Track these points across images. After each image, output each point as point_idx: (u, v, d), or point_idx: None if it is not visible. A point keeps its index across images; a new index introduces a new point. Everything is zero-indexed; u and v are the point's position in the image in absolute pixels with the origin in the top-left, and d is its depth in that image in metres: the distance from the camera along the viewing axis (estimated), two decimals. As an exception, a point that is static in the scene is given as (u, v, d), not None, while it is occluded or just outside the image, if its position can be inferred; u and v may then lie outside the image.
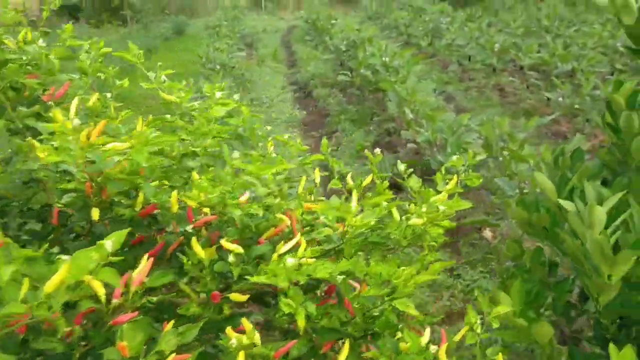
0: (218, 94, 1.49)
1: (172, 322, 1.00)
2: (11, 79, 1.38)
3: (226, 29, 13.79)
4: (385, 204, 1.35)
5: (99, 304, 0.97)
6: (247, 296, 1.11)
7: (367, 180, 1.60)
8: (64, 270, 0.79)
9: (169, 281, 1.13)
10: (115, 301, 1.00)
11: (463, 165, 1.69)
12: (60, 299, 0.81)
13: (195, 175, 1.24)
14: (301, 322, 1.04)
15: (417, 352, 1.06)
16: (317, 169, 1.56)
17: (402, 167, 1.60)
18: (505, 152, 5.22)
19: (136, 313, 0.99)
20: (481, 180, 1.71)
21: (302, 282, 1.06)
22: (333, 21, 14.61)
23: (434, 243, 1.35)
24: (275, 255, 1.12)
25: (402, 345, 1.07)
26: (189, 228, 1.20)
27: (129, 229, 0.94)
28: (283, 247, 1.15)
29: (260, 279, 1.04)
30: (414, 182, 1.62)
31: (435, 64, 13.17)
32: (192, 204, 1.18)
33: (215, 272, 1.11)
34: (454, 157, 1.66)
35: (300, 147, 1.65)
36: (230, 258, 1.11)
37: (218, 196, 1.16)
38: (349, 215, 1.19)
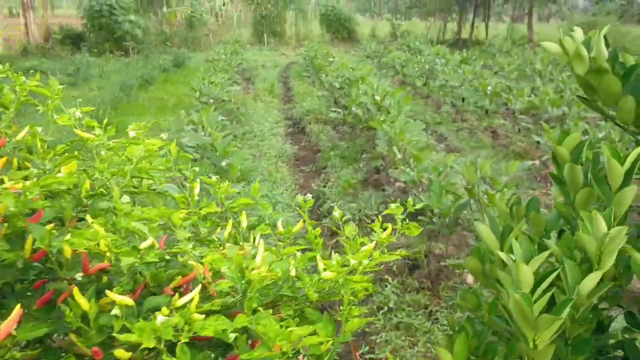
0: (132, 133, 1.43)
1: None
2: None
3: (224, 63, 13.91)
4: (299, 254, 1.28)
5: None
6: (130, 354, 1.03)
7: (298, 226, 1.53)
8: None
9: (43, 333, 1.05)
10: (-25, 356, 0.93)
11: (403, 213, 1.62)
12: None
13: (89, 218, 1.18)
14: (174, 385, 0.96)
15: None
16: (243, 213, 1.49)
17: (336, 213, 1.54)
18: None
19: (-8, 370, 0.92)
20: (420, 229, 1.64)
21: (183, 341, 0.98)
22: (331, 59, 14.75)
23: (352, 298, 1.28)
24: (164, 310, 1.04)
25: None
26: (79, 276, 1.13)
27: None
28: (179, 300, 1.08)
29: (130, 337, 0.96)
30: (349, 230, 1.55)
31: (429, 104, 13.25)
32: (68, 251, 1.11)
33: (102, 325, 1.03)
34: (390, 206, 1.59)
35: (228, 189, 1.58)
36: (114, 310, 1.03)
37: (110, 242, 1.09)
38: (242, 266, 1.12)
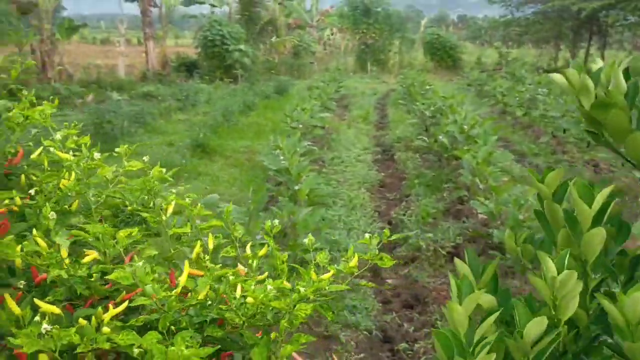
0: (97, 155, 1.54)
1: None
2: None
3: (319, 90, 14.25)
4: (231, 277, 1.30)
5: None
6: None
7: (263, 250, 1.56)
8: None
9: None
10: None
11: (378, 244, 1.60)
12: None
13: (34, 232, 1.29)
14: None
15: None
16: (210, 235, 1.55)
17: (306, 240, 1.55)
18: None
19: None
20: (393, 262, 1.60)
21: (80, 350, 1.06)
22: (427, 87, 14.63)
23: (286, 325, 1.27)
24: (81, 320, 1.12)
25: None
26: (21, 283, 1.24)
27: None
28: (104, 314, 1.15)
29: (15, 341, 1.04)
30: (321, 258, 1.55)
31: (529, 134, 12.69)
32: (18, 262, 1.23)
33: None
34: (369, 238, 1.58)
35: (202, 211, 1.64)
36: (37, 317, 1.12)
37: (47, 255, 1.19)
38: (145, 285, 1.17)
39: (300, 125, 10.02)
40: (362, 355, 4.73)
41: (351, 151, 11.27)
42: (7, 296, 1.16)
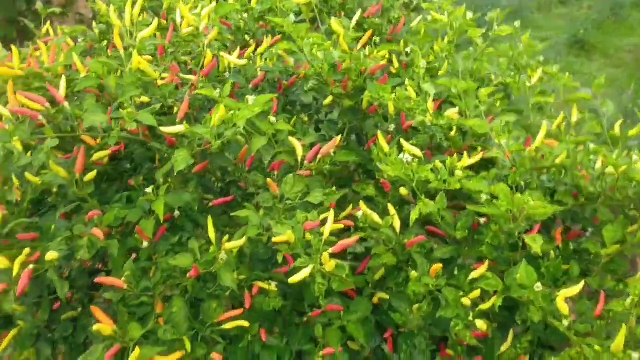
0: (470, 14, 1.52)
1: (319, 183, 1.26)
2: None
3: None
4: (592, 146, 1.18)
5: (294, 160, 1.32)
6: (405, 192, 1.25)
7: (636, 129, 1.37)
8: (222, 111, 1.15)
9: (350, 160, 1.37)
10: (306, 163, 1.32)
11: None
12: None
13: (407, 82, 1.40)
14: (414, 216, 1.14)
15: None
16: (574, 107, 1.43)
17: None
18: None
19: (309, 172, 1.30)
20: None
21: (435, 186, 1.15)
22: None
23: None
24: (437, 163, 1.23)
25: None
26: (392, 127, 1.39)
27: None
28: (458, 160, 1.23)
29: (386, 168, 1.18)
30: None
31: None
32: (391, 107, 1.37)
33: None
34: None
35: (569, 82, 1.51)
36: (401, 155, 1.26)
37: (415, 103, 1.30)
38: (502, 137, 1.15)
39: None
40: None
41: None
42: (380, 135, 1.34)
